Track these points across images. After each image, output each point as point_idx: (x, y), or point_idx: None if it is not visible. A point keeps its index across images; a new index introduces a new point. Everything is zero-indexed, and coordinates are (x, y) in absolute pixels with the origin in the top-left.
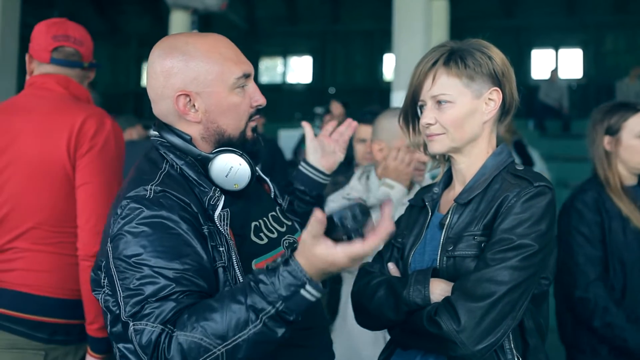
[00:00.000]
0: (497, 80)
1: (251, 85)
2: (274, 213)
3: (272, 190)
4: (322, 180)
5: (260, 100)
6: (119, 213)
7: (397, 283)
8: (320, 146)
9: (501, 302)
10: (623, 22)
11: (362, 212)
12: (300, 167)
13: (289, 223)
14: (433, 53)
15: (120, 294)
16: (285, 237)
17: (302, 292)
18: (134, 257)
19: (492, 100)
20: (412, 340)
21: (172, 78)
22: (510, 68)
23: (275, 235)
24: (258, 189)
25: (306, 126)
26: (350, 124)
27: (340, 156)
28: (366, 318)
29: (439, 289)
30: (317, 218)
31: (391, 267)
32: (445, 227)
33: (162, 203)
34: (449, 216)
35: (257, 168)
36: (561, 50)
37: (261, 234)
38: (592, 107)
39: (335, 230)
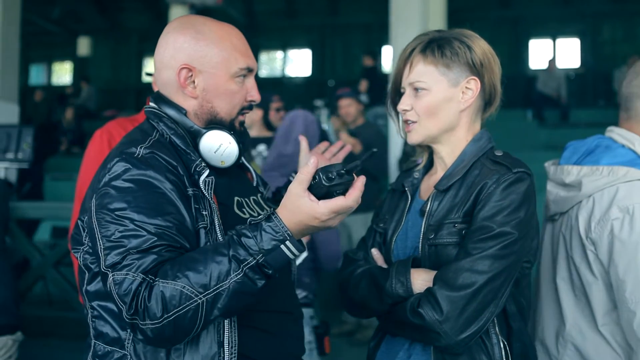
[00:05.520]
0: (475, 69)
1: (251, 80)
2: (255, 198)
3: (255, 179)
4: None
5: (255, 96)
6: (107, 169)
7: (379, 275)
8: None
9: (482, 291)
10: (620, 11)
11: (346, 171)
12: (291, 178)
13: (269, 210)
14: (413, 41)
15: (100, 245)
16: None
17: (282, 247)
18: (117, 210)
19: (469, 89)
20: (398, 330)
21: (180, 51)
22: (493, 59)
23: (255, 215)
24: (241, 175)
25: (302, 140)
26: (344, 148)
27: None
28: (353, 307)
29: (420, 279)
30: (313, 163)
31: (375, 252)
32: (425, 214)
33: (149, 163)
34: (429, 203)
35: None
36: (559, 40)
37: (243, 209)
38: (590, 96)
39: (318, 187)
